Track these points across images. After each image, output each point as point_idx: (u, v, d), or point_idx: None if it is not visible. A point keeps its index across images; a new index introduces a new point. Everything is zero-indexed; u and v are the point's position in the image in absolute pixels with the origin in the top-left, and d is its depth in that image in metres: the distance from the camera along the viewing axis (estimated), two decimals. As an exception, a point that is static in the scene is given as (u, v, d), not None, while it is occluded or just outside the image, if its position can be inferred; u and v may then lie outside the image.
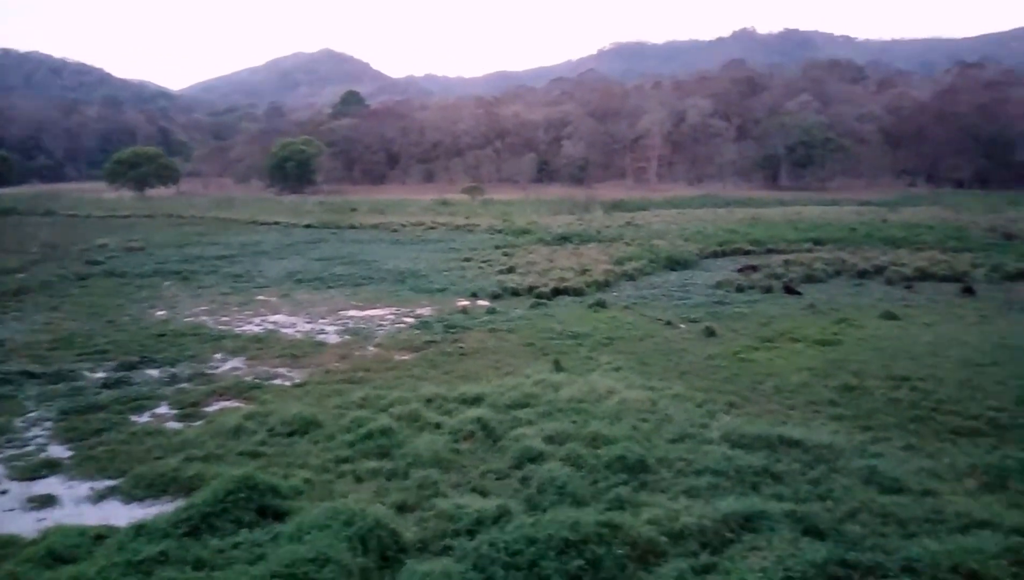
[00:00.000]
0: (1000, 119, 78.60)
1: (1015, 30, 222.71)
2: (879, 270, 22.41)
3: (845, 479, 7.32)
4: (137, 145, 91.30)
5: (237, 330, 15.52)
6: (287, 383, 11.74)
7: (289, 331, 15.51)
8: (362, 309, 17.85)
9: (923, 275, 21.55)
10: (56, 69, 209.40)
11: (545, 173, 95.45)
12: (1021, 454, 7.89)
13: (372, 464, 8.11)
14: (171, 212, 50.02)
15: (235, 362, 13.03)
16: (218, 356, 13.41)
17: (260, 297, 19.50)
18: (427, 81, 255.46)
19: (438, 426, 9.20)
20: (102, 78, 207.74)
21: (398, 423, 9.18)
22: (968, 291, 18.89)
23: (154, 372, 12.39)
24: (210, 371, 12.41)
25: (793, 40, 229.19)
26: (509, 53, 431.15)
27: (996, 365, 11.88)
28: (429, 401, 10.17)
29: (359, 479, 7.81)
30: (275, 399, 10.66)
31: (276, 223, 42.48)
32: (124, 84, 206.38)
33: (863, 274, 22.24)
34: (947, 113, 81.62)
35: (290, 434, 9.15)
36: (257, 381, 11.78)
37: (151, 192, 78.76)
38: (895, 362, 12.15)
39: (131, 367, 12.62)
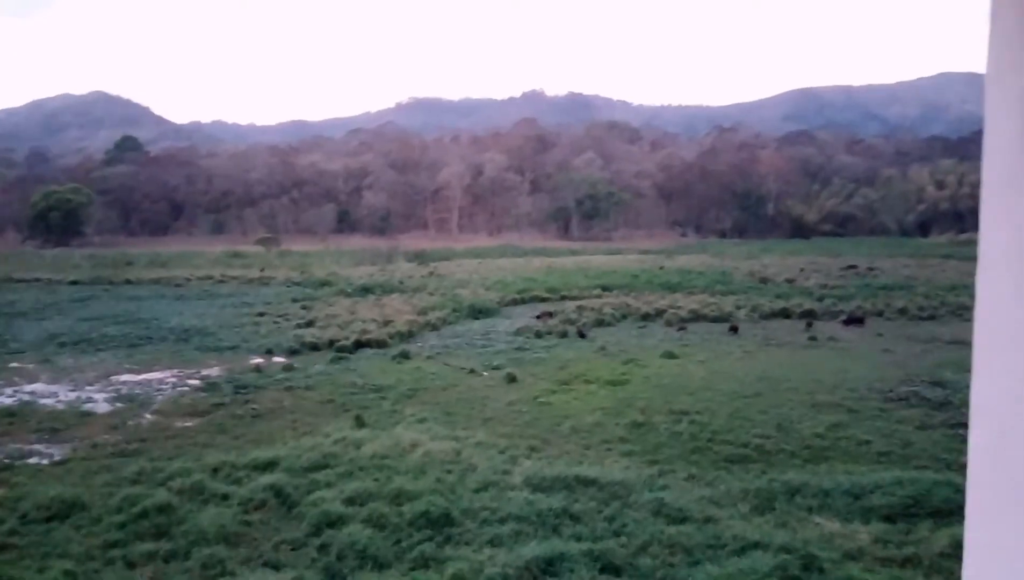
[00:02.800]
0: (752, 177, 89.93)
1: (762, 100, 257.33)
2: (659, 313, 24.35)
3: (637, 513, 7.69)
4: None
5: (-18, 404, 13.41)
6: (44, 462, 10.26)
7: (49, 402, 13.67)
8: (138, 373, 16.21)
9: (696, 316, 23.72)
10: None
11: (346, 224, 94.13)
12: (784, 477, 8.78)
13: (147, 546, 7.23)
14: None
15: (-22, 442, 11.20)
16: (-45, 437, 11.46)
17: (14, 364, 17.08)
18: (216, 128, 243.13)
19: (225, 497, 8.45)
20: None
21: (179, 498, 8.32)
22: (734, 330, 21.03)
23: None
24: (-56, 455, 10.56)
25: (577, 102, 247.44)
26: (305, 103, 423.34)
27: (759, 396, 13.24)
28: (216, 470, 9.34)
29: (131, 565, 6.93)
30: (29, 481, 9.25)
31: (36, 280, 37.78)
32: None
33: (646, 317, 24.04)
34: (709, 171, 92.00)
35: (48, 519, 7.95)
36: (7, 461, 10.18)
37: None
38: (676, 398, 13.13)
39: None
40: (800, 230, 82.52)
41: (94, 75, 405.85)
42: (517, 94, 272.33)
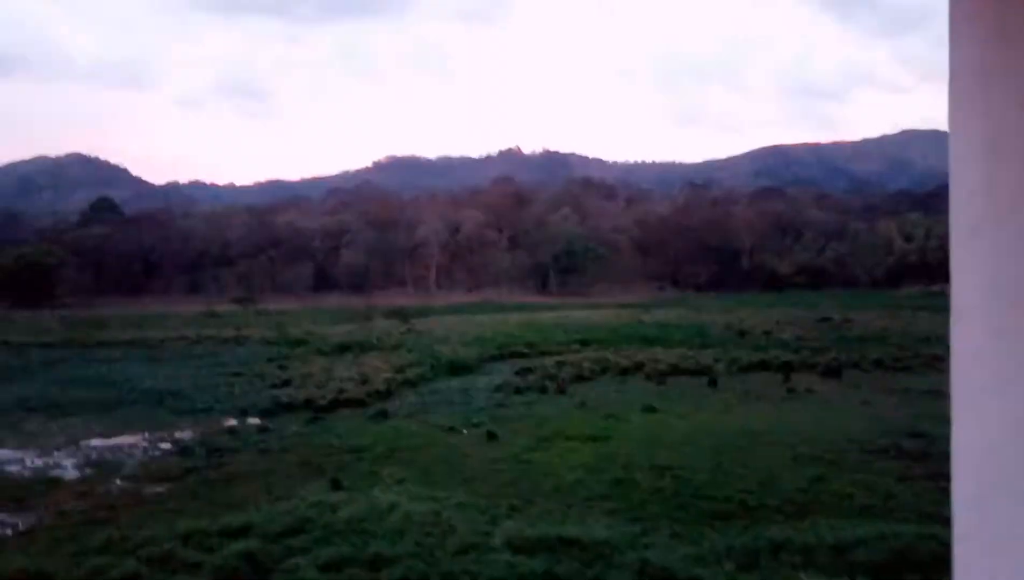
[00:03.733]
0: (726, 231, 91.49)
1: (733, 157, 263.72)
2: (639, 367, 24.36)
3: (621, 574, 7.53)
4: None
5: (-57, 473, 12.95)
6: (8, 532, 9.89)
7: (15, 469, 13.25)
8: (108, 437, 15.79)
9: (675, 370, 23.74)
10: None
11: (323, 282, 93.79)
12: (768, 533, 8.67)
13: (113, 621, 6.95)
14: None
15: (-63, 513, 10.78)
16: (-87, 508, 11.02)
17: (-22, 431, 16.56)
18: (193, 189, 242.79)
19: (197, 566, 8.16)
20: None
21: (148, 568, 8.02)
22: (713, 383, 21.06)
23: None
24: (-100, 528, 10.13)
25: (553, 160, 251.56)
26: (283, 163, 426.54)
27: (741, 450, 13.18)
28: (187, 538, 9.03)
29: (96, 642, 6.63)
30: (-10, 554, 8.89)
31: (5, 343, 36.93)
32: None
33: (625, 371, 24.02)
34: (684, 226, 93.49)
35: (8, 595, 7.62)
36: (-34, 534, 9.79)
37: None
38: (657, 453, 13.03)
39: None
40: (774, 283, 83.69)
41: (71, 137, 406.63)
42: (494, 152, 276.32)
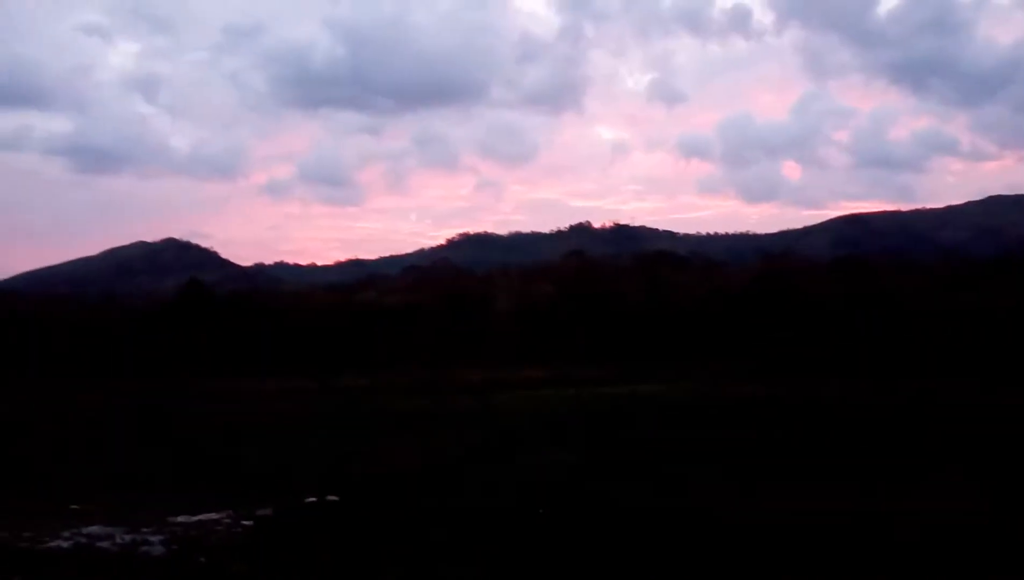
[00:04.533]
0: (803, 303, 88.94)
1: (809, 227, 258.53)
2: (718, 444, 23.51)
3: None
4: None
5: (41, 547, 13.51)
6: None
7: (105, 544, 13.68)
8: (192, 513, 16.15)
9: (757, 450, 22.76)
10: None
11: (399, 357, 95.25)
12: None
13: None
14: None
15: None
16: (13, 581, 11.49)
17: (73, 505, 17.26)
18: (278, 269, 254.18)
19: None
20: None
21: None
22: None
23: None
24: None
25: (623, 234, 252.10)
26: (362, 243, 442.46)
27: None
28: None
29: None
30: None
31: (102, 416, 38.71)
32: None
33: (705, 448, 23.21)
34: (758, 298, 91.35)
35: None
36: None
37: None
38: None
39: None
40: (854, 356, 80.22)
41: (167, 224, 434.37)
42: (564, 227, 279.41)
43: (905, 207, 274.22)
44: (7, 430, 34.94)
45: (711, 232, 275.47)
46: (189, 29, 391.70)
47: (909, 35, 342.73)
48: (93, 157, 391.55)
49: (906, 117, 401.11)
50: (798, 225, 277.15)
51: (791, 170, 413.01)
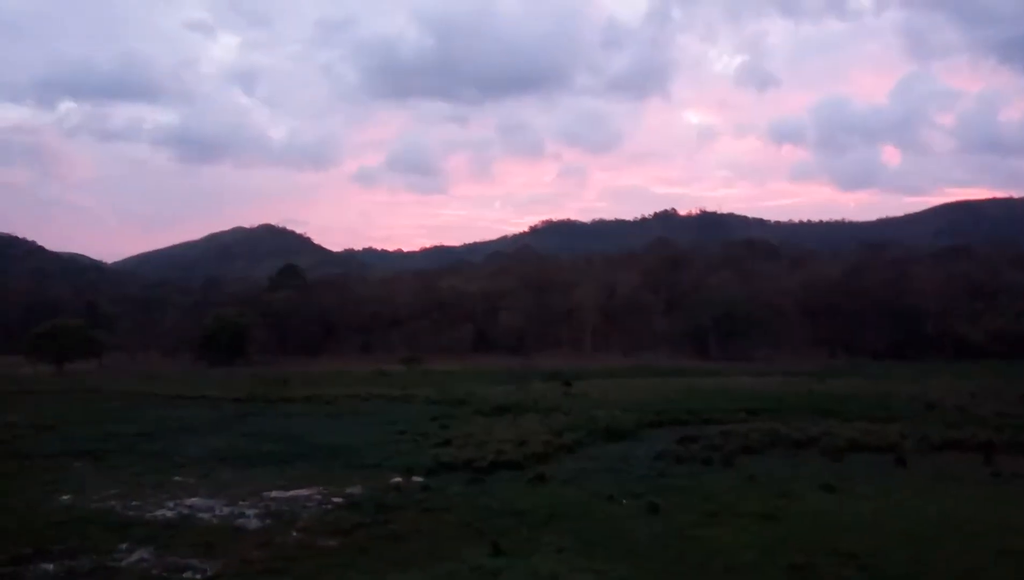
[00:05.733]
0: (906, 295, 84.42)
1: (912, 214, 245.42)
2: (813, 440, 22.61)
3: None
4: (63, 318, 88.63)
5: (148, 516, 14.29)
6: (198, 576, 10.67)
7: (206, 516, 14.36)
8: (287, 489, 16.79)
9: (855, 446, 21.78)
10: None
11: (483, 342, 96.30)
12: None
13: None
14: (90, 387, 47.73)
15: (142, 553, 11.86)
16: (124, 546, 12.19)
17: (177, 478, 18.22)
18: (367, 255, 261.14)
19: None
20: (31, 251, 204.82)
21: (321, 621, 8.31)
22: (900, 462, 19.11)
23: (49, 566, 11.14)
24: (112, 564, 11.24)
25: (710, 222, 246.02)
26: (447, 230, 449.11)
27: (938, 540, 11.75)
28: (357, 594, 9.31)
29: None
30: (184, 596, 9.61)
31: (203, 397, 40.80)
32: (55, 257, 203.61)
33: (797, 444, 22.35)
34: (857, 289, 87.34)
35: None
36: (165, 574, 10.68)
37: (72, 366, 75.50)
38: (840, 537, 11.91)
39: (22, 561, 11.32)
40: (965, 352, 75.66)
41: (263, 211, 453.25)
42: (649, 215, 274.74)
43: (1017, 194, 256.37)
44: (115, 405, 37.29)
45: (804, 220, 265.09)
46: (285, 23, 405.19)
47: (1021, 11, 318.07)
48: (196, 147, 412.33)
49: (1018, 98, 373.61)
50: (899, 213, 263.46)
51: (891, 155, 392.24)
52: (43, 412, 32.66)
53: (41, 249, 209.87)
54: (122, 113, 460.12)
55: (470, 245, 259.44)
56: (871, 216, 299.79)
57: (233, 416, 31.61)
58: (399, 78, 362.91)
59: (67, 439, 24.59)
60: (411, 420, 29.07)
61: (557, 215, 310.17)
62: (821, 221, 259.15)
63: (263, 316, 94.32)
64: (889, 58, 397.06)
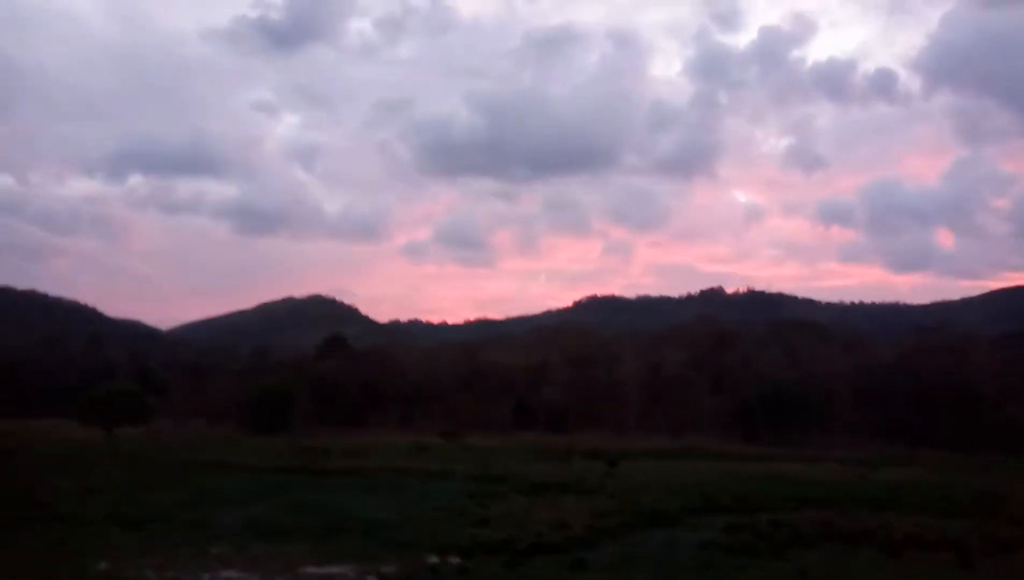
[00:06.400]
0: (964, 381, 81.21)
1: (966, 298, 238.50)
2: (868, 534, 21.51)
3: None
4: (116, 382, 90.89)
5: (183, 587, 14.19)
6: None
7: (240, 590, 14.19)
8: (322, 565, 16.56)
9: (914, 541, 20.63)
10: (48, 307, 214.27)
11: (523, 418, 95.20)
12: None
13: None
14: (139, 452, 48.41)
15: (175, 627, 11.72)
16: (157, 619, 12.08)
17: (214, 549, 18.13)
18: (412, 327, 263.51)
19: None
20: (91, 317, 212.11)
21: None
22: (965, 562, 17.97)
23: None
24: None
25: (759, 301, 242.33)
26: (492, 304, 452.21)
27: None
28: None
29: None
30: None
31: (245, 466, 40.96)
32: (113, 323, 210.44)
33: (851, 538, 21.23)
34: (912, 374, 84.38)
35: None
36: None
37: (121, 431, 76.83)
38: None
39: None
40: (1029, 442, 71.76)
41: (313, 281, 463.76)
42: (695, 292, 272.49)
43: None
44: (159, 471, 37.65)
45: (855, 301, 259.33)
46: (345, 104, 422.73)
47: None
48: (255, 220, 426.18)
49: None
50: (955, 296, 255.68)
51: (944, 238, 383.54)
52: (90, 476, 33.14)
53: (101, 315, 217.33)
54: (187, 187, 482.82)
55: (515, 319, 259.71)
56: (925, 299, 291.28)
57: (273, 486, 31.57)
58: (451, 156, 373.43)
59: (110, 504, 24.82)
60: (449, 496, 28.64)
61: (602, 291, 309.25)
62: (873, 303, 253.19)
63: (308, 385, 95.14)
64: (940, 141, 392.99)
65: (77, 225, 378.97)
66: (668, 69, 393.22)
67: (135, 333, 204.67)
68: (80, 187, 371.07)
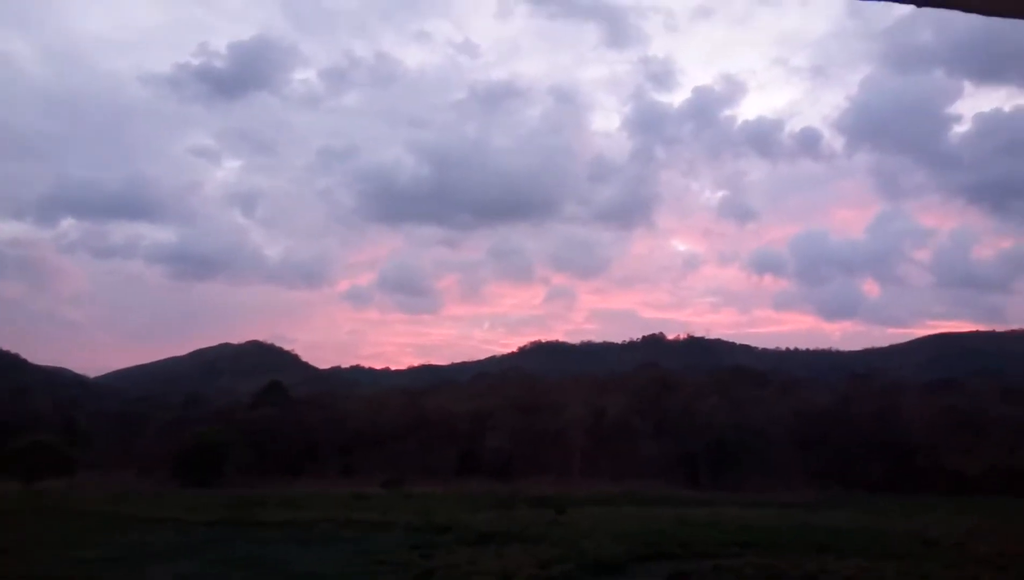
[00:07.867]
0: (895, 426, 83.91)
1: (896, 345, 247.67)
2: (810, 578, 21.79)
3: None
4: (38, 434, 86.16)
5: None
6: None
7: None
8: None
9: (853, 584, 21.00)
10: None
11: (467, 465, 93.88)
12: None
13: None
14: (59, 507, 45.82)
15: None
16: None
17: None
18: (354, 373, 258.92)
19: None
20: (14, 364, 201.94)
21: None
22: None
23: None
24: None
25: (698, 347, 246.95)
26: (435, 350, 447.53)
27: None
28: None
29: None
30: None
31: (175, 520, 39.14)
32: (38, 370, 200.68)
33: (794, 582, 21.52)
34: (846, 419, 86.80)
35: None
36: None
37: (42, 485, 72.72)
38: None
39: None
40: (958, 486, 74.21)
41: (251, 327, 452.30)
42: (637, 338, 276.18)
43: (999, 327, 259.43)
44: (82, 527, 35.65)
45: (790, 347, 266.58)
46: (288, 150, 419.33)
47: (984, 159, 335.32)
48: (192, 265, 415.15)
49: (988, 238, 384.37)
50: (883, 343, 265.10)
51: (870, 288, 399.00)
52: (6, 533, 31.16)
53: (24, 362, 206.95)
54: (121, 231, 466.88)
55: (458, 364, 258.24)
56: (856, 346, 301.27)
57: (205, 541, 30.22)
58: (394, 203, 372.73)
59: (27, 564, 23.33)
60: (391, 548, 27.87)
61: (546, 337, 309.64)
62: (808, 349, 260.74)
63: (243, 434, 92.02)
64: (863, 196, 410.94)
65: (2, 269, 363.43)
66: (607, 124, 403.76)
67: (61, 381, 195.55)
68: (7, 229, 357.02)
